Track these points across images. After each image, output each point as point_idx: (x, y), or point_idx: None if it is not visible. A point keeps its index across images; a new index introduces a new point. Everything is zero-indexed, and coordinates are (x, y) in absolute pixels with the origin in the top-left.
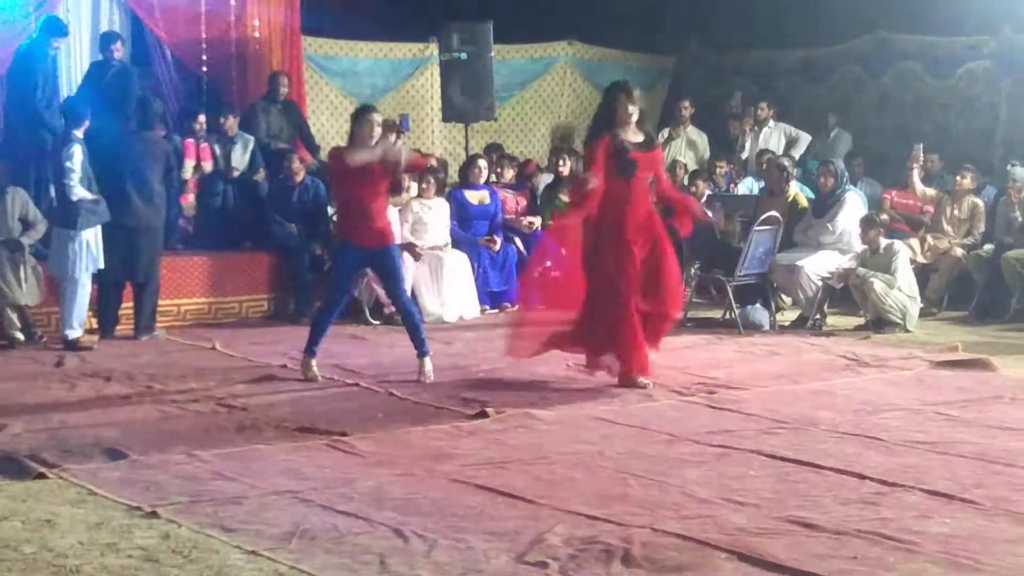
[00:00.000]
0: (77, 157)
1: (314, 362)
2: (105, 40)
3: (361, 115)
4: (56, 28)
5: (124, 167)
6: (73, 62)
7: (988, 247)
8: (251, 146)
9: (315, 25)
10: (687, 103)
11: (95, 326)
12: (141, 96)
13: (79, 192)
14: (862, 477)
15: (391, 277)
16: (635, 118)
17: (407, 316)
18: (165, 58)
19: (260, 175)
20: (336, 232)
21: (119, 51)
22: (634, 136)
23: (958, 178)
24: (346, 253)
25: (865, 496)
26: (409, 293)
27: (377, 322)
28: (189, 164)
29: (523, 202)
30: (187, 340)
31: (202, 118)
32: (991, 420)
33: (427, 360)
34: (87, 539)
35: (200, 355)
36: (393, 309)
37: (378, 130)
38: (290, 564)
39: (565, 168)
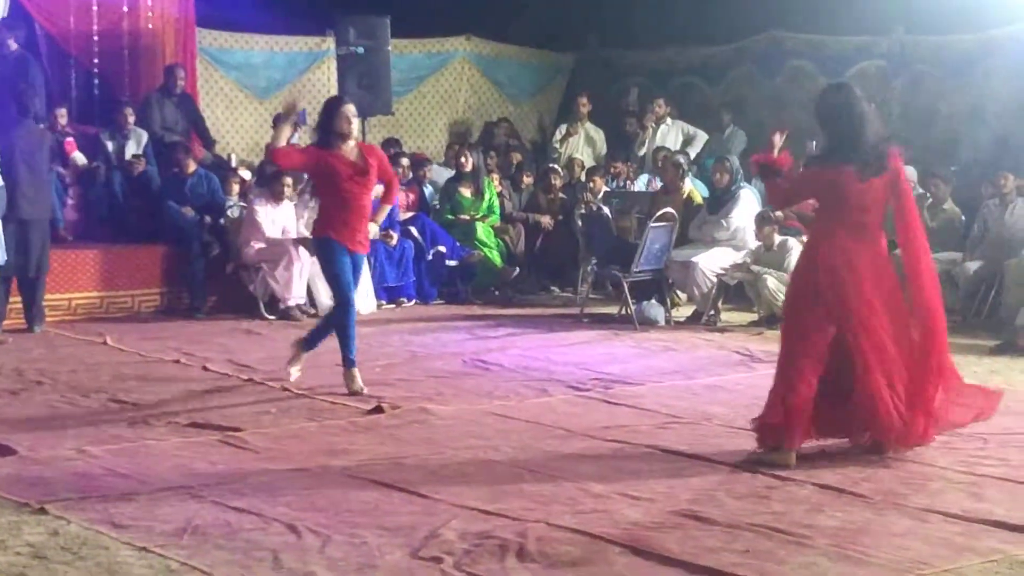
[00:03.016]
0: None
1: (357, 371)
2: None
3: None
4: None
5: (16, 158)
6: None
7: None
8: (144, 141)
9: (210, 17)
10: (585, 100)
11: None
12: (19, 87)
13: None
14: (754, 471)
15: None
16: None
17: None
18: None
19: (141, 163)
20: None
21: (13, 42)
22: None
23: None
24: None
25: (757, 490)
26: (305, 288)
27: (272, 317)
28: (79, 156)
29: (412, 197)
30: (78, 335)
31: (63, 111)
32: None
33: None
34: None
35: (91, 350)
36: (291, 305)
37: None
38: (181, 560)
39: (468, 163)
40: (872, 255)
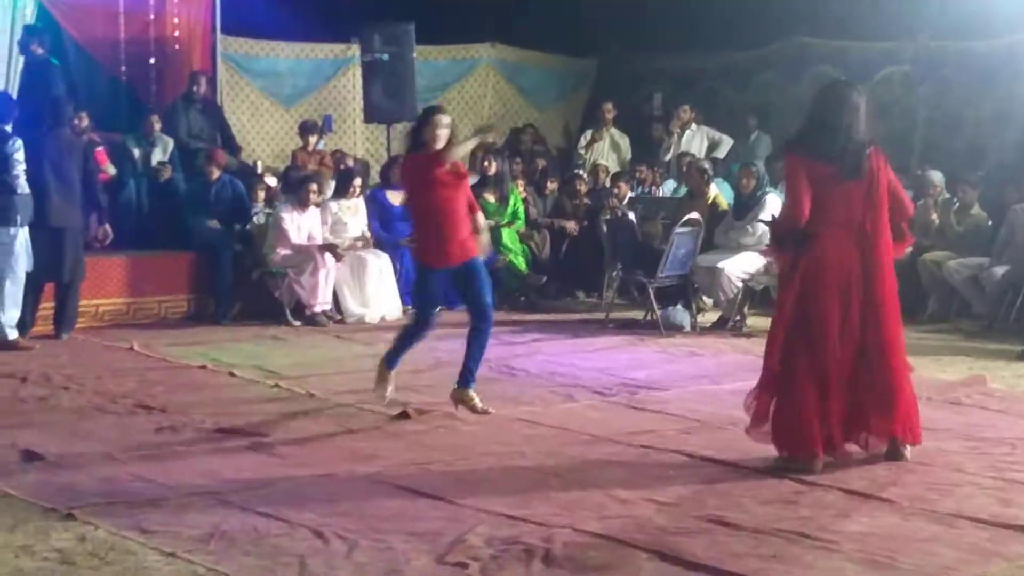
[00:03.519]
0: (22, 151)
1: (392, 375)
2: (24, 35)
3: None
4: None
5: (46, 165)
6: None
7: (906, 249)
8: (170, 148)
9: (235, 25)
10: (609, 105)
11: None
12: (53, 94)
13: (25, 185)
14: (781, 476)
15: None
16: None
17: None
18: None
19: (167, 170)
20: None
21: (38, 48)
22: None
23: None
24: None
25: (784, 495)
26: (331, 294)
27: (298, 323)
28: (110, 167)
29: None
30: (105, 341)
31: (83, 114)
32: None
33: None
34: (2, 542)
35: (118, 356)
36: (317, 311)
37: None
38: (208, 566)
39: (491, 168)
40: (862, 252)
